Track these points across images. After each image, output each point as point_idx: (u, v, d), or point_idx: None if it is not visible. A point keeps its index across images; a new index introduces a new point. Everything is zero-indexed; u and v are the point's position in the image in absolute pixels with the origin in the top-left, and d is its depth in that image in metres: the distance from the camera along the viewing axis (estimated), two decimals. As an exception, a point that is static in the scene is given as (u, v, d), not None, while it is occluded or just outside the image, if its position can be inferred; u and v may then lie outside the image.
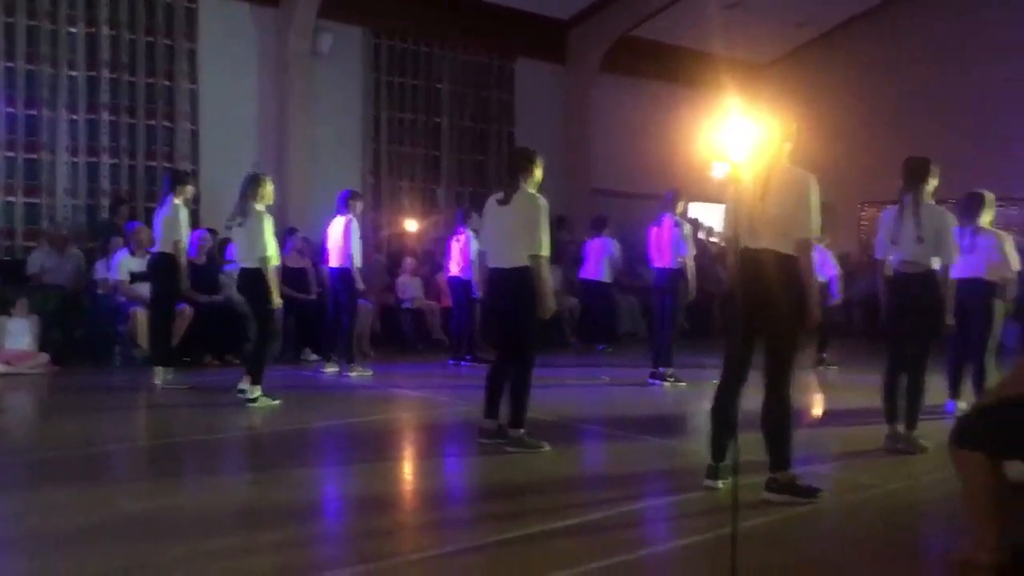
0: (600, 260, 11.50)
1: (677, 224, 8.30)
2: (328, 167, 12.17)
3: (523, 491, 4.88)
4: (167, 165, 10.91)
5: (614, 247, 11.52)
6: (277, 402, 7.08)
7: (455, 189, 13.66)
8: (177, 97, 11.16)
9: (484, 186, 13.79)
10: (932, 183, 5.70)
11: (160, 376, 7.87)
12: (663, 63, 15.18)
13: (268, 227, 7.04)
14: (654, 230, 8.51)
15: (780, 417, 4.49)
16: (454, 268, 9.76)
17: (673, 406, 7.69)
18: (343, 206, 8.88)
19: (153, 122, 11.06)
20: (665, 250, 8.38)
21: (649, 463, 5.64)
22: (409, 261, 11.51)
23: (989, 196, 6.87)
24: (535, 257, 5.46)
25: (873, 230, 12.67)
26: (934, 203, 5.71)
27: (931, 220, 5.59)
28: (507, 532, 3.95)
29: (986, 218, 6.80)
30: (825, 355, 10.07)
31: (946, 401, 6.93)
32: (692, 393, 7.92)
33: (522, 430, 5.57)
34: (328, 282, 9.24)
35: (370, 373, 8.86)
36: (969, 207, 6.83)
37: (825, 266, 10.00)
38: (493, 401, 5.72)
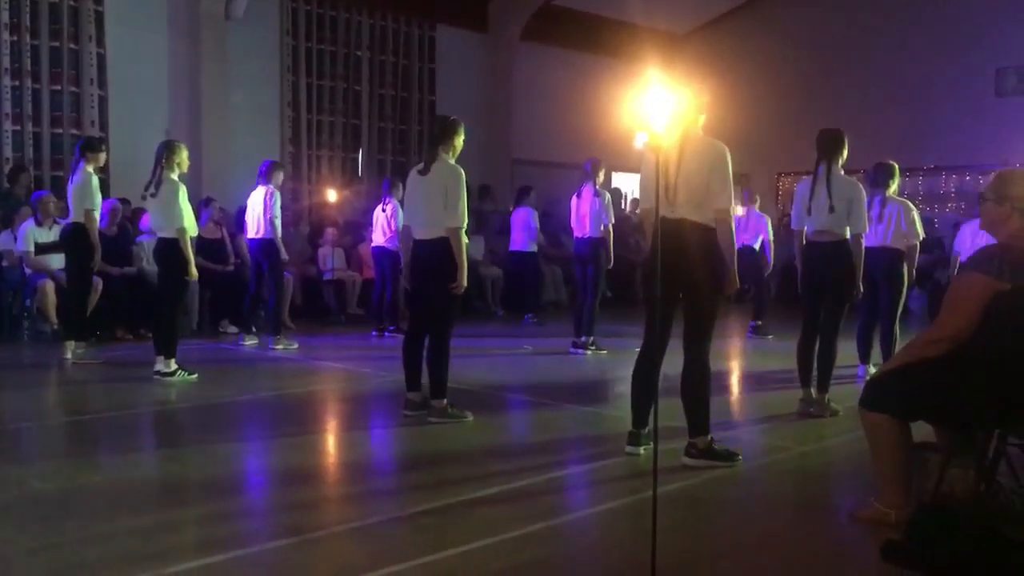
0: (522, 231, 11.24)
1: (597, 194, 8.37)
2: (245, 135, 11.87)
3: (446, 461, 4.90)
4: (74, 132, 10.52)
5: (532, 217, 11.22)
6: (195, 376, 6.94)
7: (376, 158, 13.50)
8: (83, 61, 10.73)
9: (405, 155, 13.68)
10: (844, 154, 5.85)
11: (71, 351, 7.64)
12: (584, 32, 15.19)
13: (182, 196, 6.87)
14: (575, 200, 8.57)
15: (699, 384, 4.59)
16: (379, 238, 9.65)
17: (595, 374, 7.78)
18: (264, 177, 8.71)
19: (58, 87, 10.61)
20: (585, 220, 8.45)
21: (571, 431, 5.72)
22: (330, 232, 11.35)
23: (896, 166, 7.10)
24: (452, 230, 5.45)
25: (789, 200, 13.00)
26: (844, 173, 5.86)
27: (842, 190, 5.73)
28: (430, 502, 3.96)
29: (893, 187, 7.04)
30: (759, 322, 10.10)
31: (858, 366, 7.17)
32: (614, 361, 8.03)
33: (444, 400, 5.58)
34: (250, 254, 9.06)
35: (296, 346, 8.73)
36: (877, 177, 7.05)
37: (762, 230, 10.12)
38: (413, 372, 5.70)
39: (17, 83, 10.34)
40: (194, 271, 6.99)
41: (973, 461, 3.71)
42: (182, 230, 6.81)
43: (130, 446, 5.30)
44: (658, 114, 3.07)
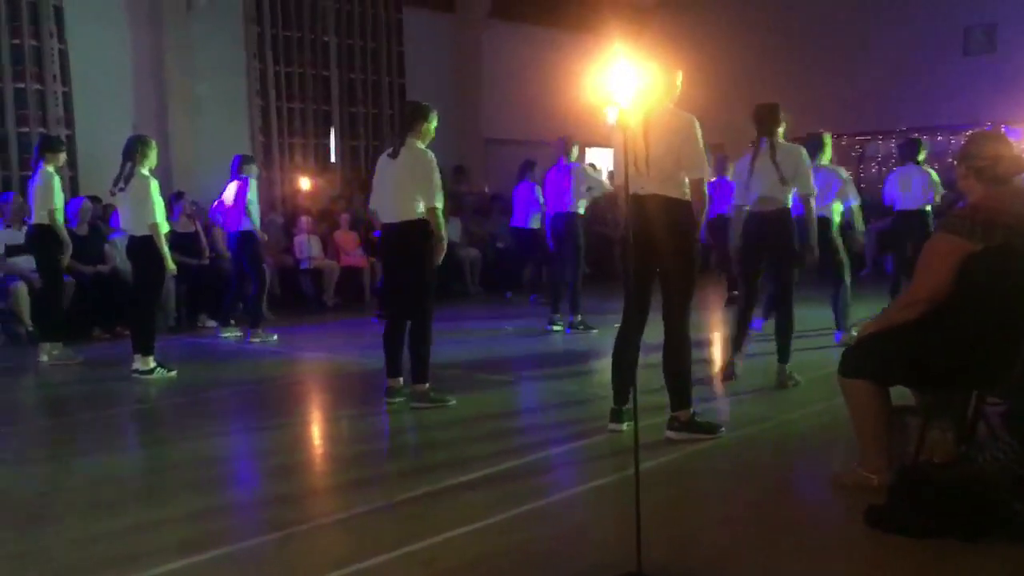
0: (524, 207, 10.03)
1: (571, 169, 8.36)
2: (213, 126, 11.74)
3: (429, 447, 4.90)
4: (41, 131, 10.36)
5: (535, 192, 9.96)
6: (173, 373, 6.87)
7: (349, 144, 13.39)
8: (45, 57, 10.55)
9: (379, 139, 13.58)
10: (782, 125, 5.85)
11: (47, 352, 7.55)
12: (551, 8, 15.08)
13: (154, 191, 6.77)
14: (551, 176, 8.55)
15: (679, 357, 4.60)
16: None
17: (576, 351, 7.76)
18: (235, 173, 8.57)
19: (22, 85, 10.45)
20: (563, 195, 8.41)
21: (553, 410, 5.72)
22: (305, 220, 11.25)
23: (826, 136, 7.21)
24: (431, 210, 5.42)
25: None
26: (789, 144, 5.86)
27: (788, 158, 5.73)
28: (414, 490, 3.94)
29: (825, 158, 7.15)
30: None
31: (834, 332, 7.23)
32: (594, 338, 8.02)
33: (426, 385, 5.55)
34: (229, 249, 8.95)
35: (275, 338, 8.60)
36: (810, 148, 7.07)
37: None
38: (393, 359, 5.68)
39: (-22, 83, 10.17)
40: (171, 265, 6.91)
41: (952, 423, 3.74)
42: (154, 225, 6.73)
43: (109, 446, 5.23)
44: (625, 88, 3.04)
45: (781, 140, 5.80)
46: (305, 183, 11.66)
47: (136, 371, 6.81)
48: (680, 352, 4.60)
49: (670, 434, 4.59)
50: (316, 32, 12.95)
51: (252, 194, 8.44)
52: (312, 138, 12.97)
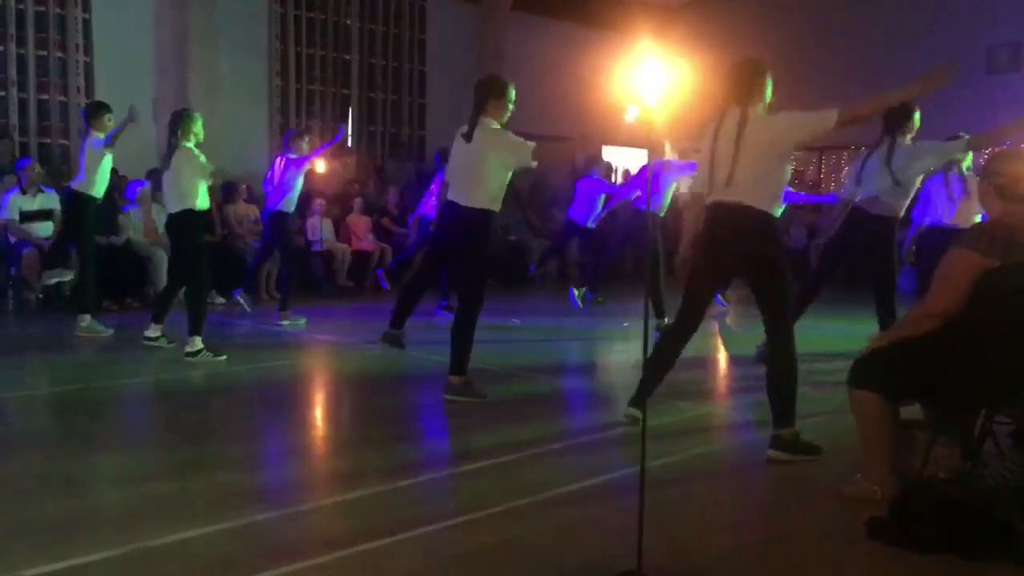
0: (590, 204, 9.94)
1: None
2: (232, 104, 11.73)
3: (433, 434, 4.90)
4: (61, 99, 10.41)
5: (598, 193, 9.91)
6: (223, 357, 6.59)
7: (367, 129, 13.40)
8: (69, 25, 10.58)
9: (396, 126, 13.58)
10: (911, 127, 5.65)
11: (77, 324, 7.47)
12: (576, 3, 15.07)
13: (197, 164, 6.49)
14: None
15: (787, 373, 4.36)
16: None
17: (585, 349, 7.77)
18: (285, 147, 8.59)
19: (44, 52, 10.48)
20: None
21: (559, 405, 5.73)
22: (319, 203, 11.26)
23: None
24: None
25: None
26: (911, 143, 5.63)
27: (905, 160, 5.52)
28: (418, 476, 3.96)
29: (966, 164, 6.79)
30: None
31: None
32: (605, 338, 8.02)
33: (463, 377, 5.34)
34: (263, 223, 9.03)
35: (303, 321, 8.38)
36: None
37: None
38: (402, 311, 5.60)
39: (1, 48, 10.20)
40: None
41: (959, 439, 3.73)
42: (194, 202, 6.55)
43: (119, 419, 5.27)
44: (650, 87, 3.03)
45: (908, 141, 5.56)
46: (320, 166, 11.64)
47: (147, 338, 6.83)
48: (787, 370, 4.34)
49: (772, 454, 4.29)
50: (339, 15, 12.96)
51: (293, 178, 8.34)
52: (330, 121, 12.98)
